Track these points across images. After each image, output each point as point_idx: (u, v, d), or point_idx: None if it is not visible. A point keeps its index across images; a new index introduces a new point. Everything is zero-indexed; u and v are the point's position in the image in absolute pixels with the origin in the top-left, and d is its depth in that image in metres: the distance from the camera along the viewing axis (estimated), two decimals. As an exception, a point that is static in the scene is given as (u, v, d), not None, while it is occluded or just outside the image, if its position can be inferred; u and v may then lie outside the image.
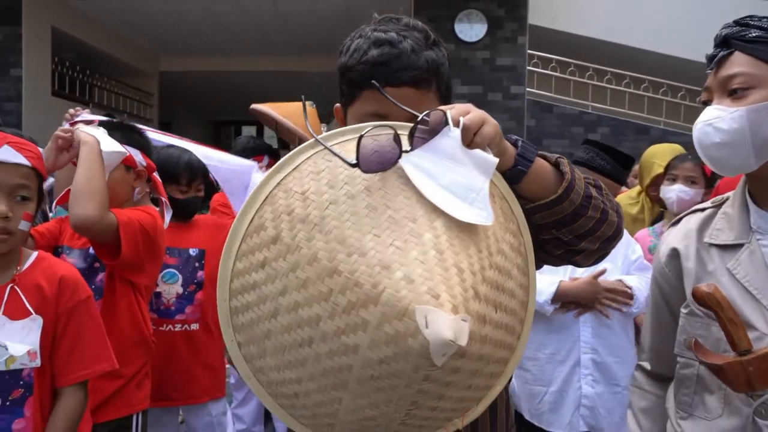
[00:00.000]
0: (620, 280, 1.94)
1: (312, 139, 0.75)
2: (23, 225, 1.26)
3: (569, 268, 1.93)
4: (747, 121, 0.93)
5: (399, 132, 0.72)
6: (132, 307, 1.69)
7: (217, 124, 13.02)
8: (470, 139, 0.73)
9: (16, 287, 1.25)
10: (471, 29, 6.26)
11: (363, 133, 0.70)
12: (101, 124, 1.72)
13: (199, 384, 2.19)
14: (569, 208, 0.85)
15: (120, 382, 1.63)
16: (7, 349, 1.20)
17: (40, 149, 1.41)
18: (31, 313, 1.24)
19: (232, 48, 8.47)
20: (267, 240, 0.71)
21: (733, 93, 0.95)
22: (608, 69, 6.83)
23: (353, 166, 0.69)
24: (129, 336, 1.67)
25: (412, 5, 6.26)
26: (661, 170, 2.48)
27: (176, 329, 2.14)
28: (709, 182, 2.33)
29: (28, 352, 1.22)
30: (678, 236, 1.08)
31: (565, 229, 0.88)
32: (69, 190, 1.66)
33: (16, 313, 1.24)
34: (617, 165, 2.19)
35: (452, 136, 0.71)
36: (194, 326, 2.17)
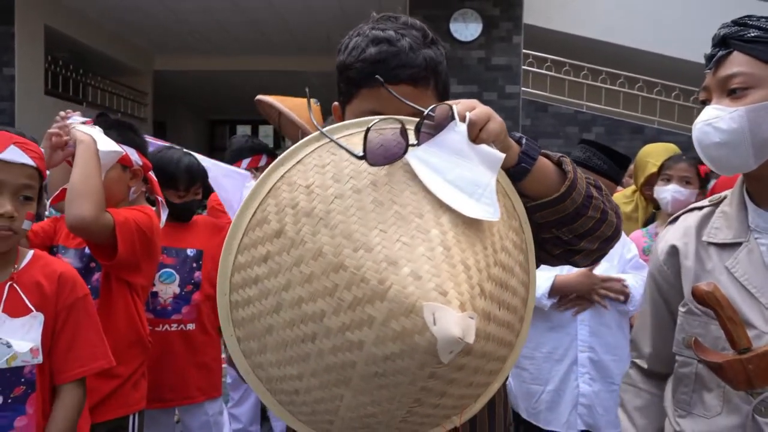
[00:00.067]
0: (618, 279, 1.95)
1: (316, 133, 0.74)
2: (26, 224, 1.27)
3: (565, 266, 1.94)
4: (746, 120, 0.93)
5: (406, 126, 0.71)
6: (128, 307, 1.68)
7: (212, 123, 12.97)
8: (476, 134, 0.72)
9: (14, 285, 1.25)
10: (466, 29, 6.27)
11: (370, 125, 0.69)
12: (97, 122, 1.71)
13: (195, 384, 2.18)
14: (571, 207, 0.85)
15: (116, 382, 1.63)
16: (11, 346, 1.20)
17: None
18: (32, 310, 1.25)
19: (227, 47, 8.44)
20: (270, 234, 0.70)
21: (732, 93, 0.95)
22: (603, 69, 6.86)
23: (360, 158, 0.69)
24: (125, 336, 1.66)
25: (407, 4, 6.26)
26: (654, 169, 2.50)
27: (172, 329, 2.13)
28: (702, 183, 2.34)
29: (31, 349, 1.22)
30: (677, 234, 1.09)
31: (565, 228, 0.88)
32: (63, 189, 1.65)
33: (15, 310, 1.24)
34: (614, 165, 2.20)
35: (458, 131, 0.71)
36: (190, 326, 2.17)
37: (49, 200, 1.67)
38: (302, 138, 0.75)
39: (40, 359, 1.24)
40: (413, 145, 0.71)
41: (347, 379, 0.66)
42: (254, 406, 2.86)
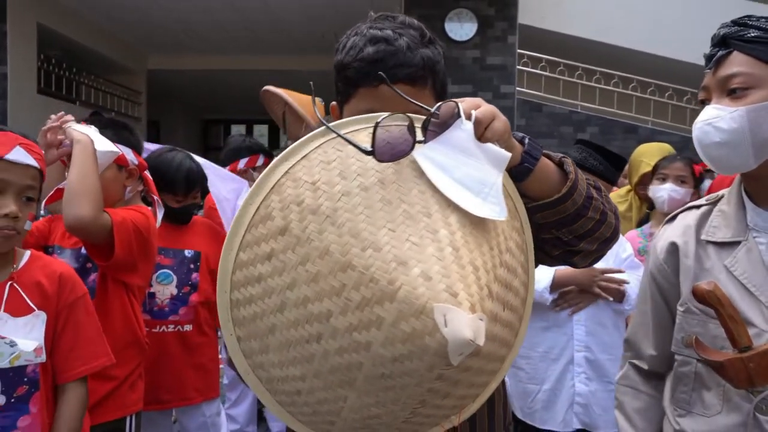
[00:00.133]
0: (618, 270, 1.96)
1: (321, 128, 0.73)
2: (27, 225, 1.27)
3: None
4: (747, 120, 0.93)
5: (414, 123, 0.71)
6: (125, 307, 1.67)
7: (206, 123, 12.92)
8: (481, 133, 0.72)
9: (15, 285, 1.26)
10: (461, 28, 6.28)
11: (378, 121, 0.68)
12: (91, 121, 1.70)
13: (192, 385, 2.17)
14: (572, 208, 0.85)
15: (113, 383, 1.62)
16: (16, 345, 1.20)
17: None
18: (34, 310, 1.25)
19: (222, 46, 8.40)
20: (274, 231, 0.68)
21: (732, 93, 0.96)
22: (597, 69, 6.89)
23: (368, 153, 0.68)
24: (122, 337, 1.64)
25: (402, 4, 6.27)
26: (648, 169, 2.52)
27: (169, 330, 2.12)
28: (697, 182, 2.36)
29: (35, 348, 1.22)
30: (677, 232, 1.09)
31: (565, 229, 0.88)
32: (57, 189, 1.64)
33: (17, 310, 1.24)
34: (609, 165, 2.22)
35: (465, 129, 0.70)
36: (187, 327, 2.15)
37: (44, 200, 1.66)
38: (306, 133, 0.74)
39: (43, 358, 1.25)
40: (420, 142, 0.70)
41: (352, 380, 0.65)
42: (251, 407, 2.85)
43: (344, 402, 0.68)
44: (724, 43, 0.98)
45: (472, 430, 0.99)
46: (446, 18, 6.25)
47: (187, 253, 2.18)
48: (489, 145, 0.72)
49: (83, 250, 1.66)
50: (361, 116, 0.76)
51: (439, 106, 0.71)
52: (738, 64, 0.95)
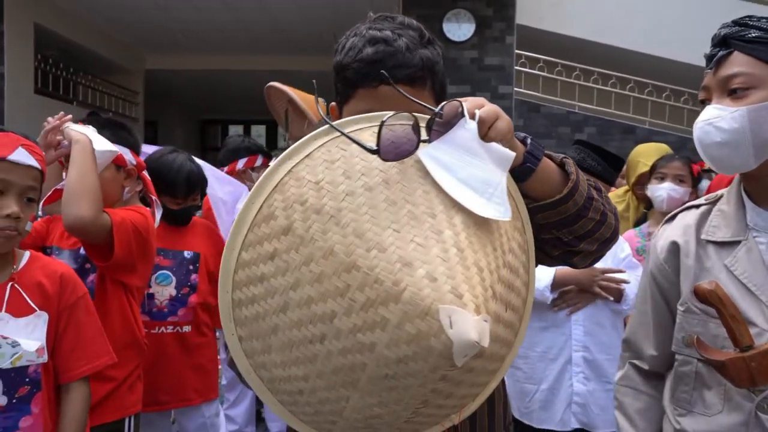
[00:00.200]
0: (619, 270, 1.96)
1: (324, 126, 0.73)
2: (28, 226, 1.28)
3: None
4: (748, 120, 0.94)
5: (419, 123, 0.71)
6: (123, 308, 1.67)
7: (204, 123, 12.90)
8: (484, 132, 0.72)
9: (16, 285, 1.26)
10: (459, 29, 6.28)
11: (384, 120, 0.68)
12: (89, 122, 1.69)
13: (191, 386, 2.16)
14: (573, 208, 0.85)
15: (112, 385, 1.61)
16: (19, 345, 1.20)
17: None
18: (35, 310, 1.25)
19: (220, 46, 8.39)
20: (277, 230, 0.68)
21: (733, 93, 0.96)
22: (595, 69, 6.90)
23: (373, 152, 0.68)
24: (120, 338, 1.64)
25: (400, 4, 6.27)
26: (645, 169, 2.53)
27: (168, 331, 2.11)
28: (695, 182, 2.37)
29: (37, 348, 1.22)
30: (677, 231, 1.09)
31: (565, 229, 0.88)
32: (55, 190, 1.64)
33: (18, 310, 1.25)
34: (607, 166, 2.22)
35: (469, 128, 0.70)
36: (186, 328, 2.15)
37: (42, 201, 1.66)
38: (309, 131, 0.74)
39: (45, 358, 1.25)
40: (424, 141, 0.70)
41: (356, 380, 0.65)
42: (249, 407, 2.85)
43: (347, 402, 0.68)
44: (724, 43, 0.98)
45: (472, 430, 0.99)
46: (444, 18, 6.25)
47: (187, 254, 2.18)
48: (493, 144, 0.72)
49: (81, 251, 1.66)
50: (363, 115, 0.76)
51: (443, 105, 0.71)
52: (739, 64, 0.95)
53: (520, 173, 0.82)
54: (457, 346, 0.58)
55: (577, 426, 1.92)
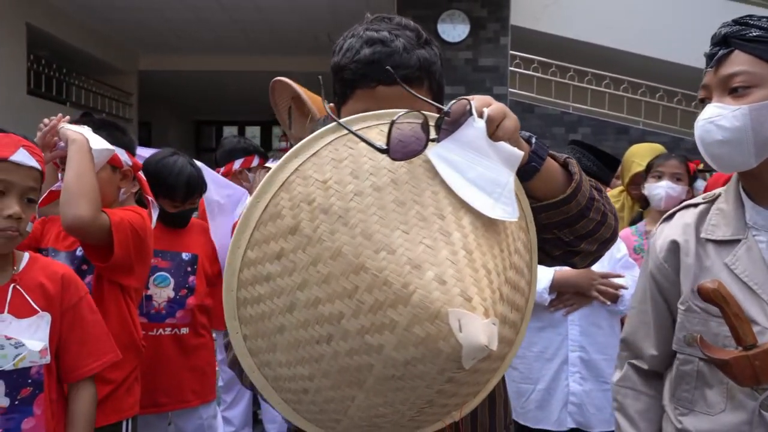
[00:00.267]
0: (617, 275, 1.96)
1: (331, 124, 0.72)
2: (29, 226, 1.28)
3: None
4: (749, 119, 0.94)
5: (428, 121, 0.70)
6: (121, 310, 1.66)
7: (198, 124, 12.86)
8: (492, 131, 0.72)
9: (18, 286, 1.26)
10: (454, 29, 6.29)
11: (394, 119, 0.68)
12: (83, 122, 1.68)
13: (189, 388, 2.15)
14: (575, 208, 0.86)
15: (109, 387, 1.59)
16: (23, 345, 1.20)
17: None
18: (38, 311, 1.25)
19: (214, 47, 8.36)
20: (284, 229, 0.67)
21: (734, 91, 0.96)
22: (589, 70, 6.93)
23: (382, 151, 0.67)
24: (118, 339, 1.60)
25: (395, 5, 6.27)
26: (640, 169, 2.54)
27: (166, 333, 2.10)
28: (691, 180, 2.38)
29: (41, 349, 1.22)
30: (676, 230, 1.09)
31: (567, 229, 0.89)
32: (51, 192, 1.63)
33: (21, 311, 1.24)
34: (603, 166, 2.23)
35: (477, 127, 0.70)
36: (184, 330, 2.13)
37: (38, 203, 1.64)
38: (310, 129, 0.73)
39: (48, 359, 1.24)
40: (433, 140, 0.70)
41: (362, 381, 0.65)
42: (247, 409, 2.84)
43: (352, 401, 0.68)
44: (725, 42, 0.98)
45: (473, 428, 0.99)
46: (439, 19, 6.26)
47: (185, 256, 2.16)
48: (501, 143, 0.72)
49: (78, 253, 1.65)
50: (372, 113, 0.75)
51: (452, 104, 0.71)
52: (739, 63, 0.96)
53: (524, 173, 0.82)
54: (466, 349, 0.58)
55: (573, 426, 1.92)
